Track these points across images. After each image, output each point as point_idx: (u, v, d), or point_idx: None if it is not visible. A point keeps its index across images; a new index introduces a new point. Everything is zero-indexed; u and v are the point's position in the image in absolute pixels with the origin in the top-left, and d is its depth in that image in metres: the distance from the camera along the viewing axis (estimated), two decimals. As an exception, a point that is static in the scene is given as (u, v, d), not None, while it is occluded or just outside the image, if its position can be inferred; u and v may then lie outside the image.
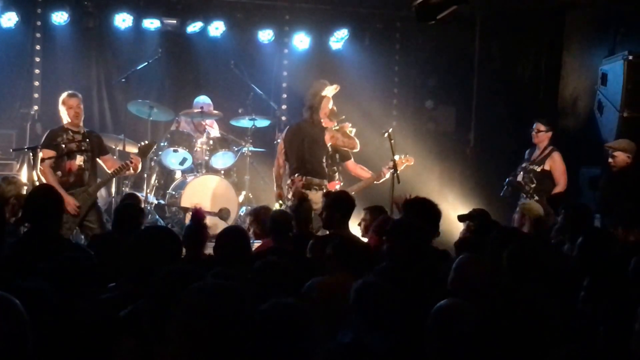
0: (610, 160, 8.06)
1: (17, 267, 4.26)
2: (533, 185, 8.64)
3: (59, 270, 3.65)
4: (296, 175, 8.15)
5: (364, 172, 8.96)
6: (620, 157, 7.97)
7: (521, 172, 8.81)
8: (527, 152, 9.05)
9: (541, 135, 8.84)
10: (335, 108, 8.60)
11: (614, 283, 4.36)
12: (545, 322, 3.59)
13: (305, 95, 8.58)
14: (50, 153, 7.65)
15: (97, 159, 8.01)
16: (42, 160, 7.56)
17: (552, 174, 8.66)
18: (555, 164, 8.68)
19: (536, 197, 8.43)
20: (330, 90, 8.39)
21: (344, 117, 8.66)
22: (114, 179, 8.98)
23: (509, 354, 3.31)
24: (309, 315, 2.83)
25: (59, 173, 7.69)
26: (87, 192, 7.71)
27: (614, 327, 3.33)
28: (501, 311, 3.64)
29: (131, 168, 7.96)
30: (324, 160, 8.26)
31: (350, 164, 8.90)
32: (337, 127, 8.46)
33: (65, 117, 7.89)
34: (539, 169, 8.72)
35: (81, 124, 7.93)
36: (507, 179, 8.96)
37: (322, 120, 8.30)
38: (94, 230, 7.54)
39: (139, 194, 8.82)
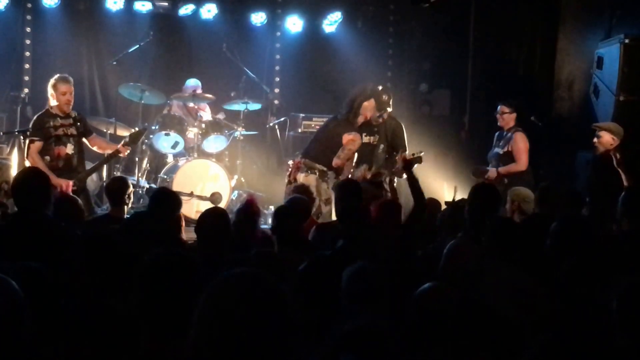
0: (595, 140, 7.83)
1: (4, 250, 4.22)
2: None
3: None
4: (299, 155, 8.07)
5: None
6: (605, 138, 7.70)
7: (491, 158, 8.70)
8: (495, 135, 8.91)
9: (506, 117, 8.71)
10: (385, 97, 8.48)
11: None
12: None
13: (351, 91, 8.44)
14: (39, 144, 7.52)
15: (84, 141, 7.91)
16: (31, 149, 7.43)
17: (514, 154, 8.50)
18: (516, 144, 8.49)
19: (506, 181, 8.22)
20: (370, 104, 8.29)
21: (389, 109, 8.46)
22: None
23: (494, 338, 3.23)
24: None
25: (48, 158, 7.57)
26: (77, 179, 7.61)
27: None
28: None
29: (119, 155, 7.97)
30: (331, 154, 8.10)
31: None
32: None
33: (53, 102, 7.68)
34: (502, 152, 8.59)
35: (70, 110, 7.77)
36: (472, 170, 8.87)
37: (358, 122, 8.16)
38: (83, 214, 7.45)
39: (130, 178, 8.73)
